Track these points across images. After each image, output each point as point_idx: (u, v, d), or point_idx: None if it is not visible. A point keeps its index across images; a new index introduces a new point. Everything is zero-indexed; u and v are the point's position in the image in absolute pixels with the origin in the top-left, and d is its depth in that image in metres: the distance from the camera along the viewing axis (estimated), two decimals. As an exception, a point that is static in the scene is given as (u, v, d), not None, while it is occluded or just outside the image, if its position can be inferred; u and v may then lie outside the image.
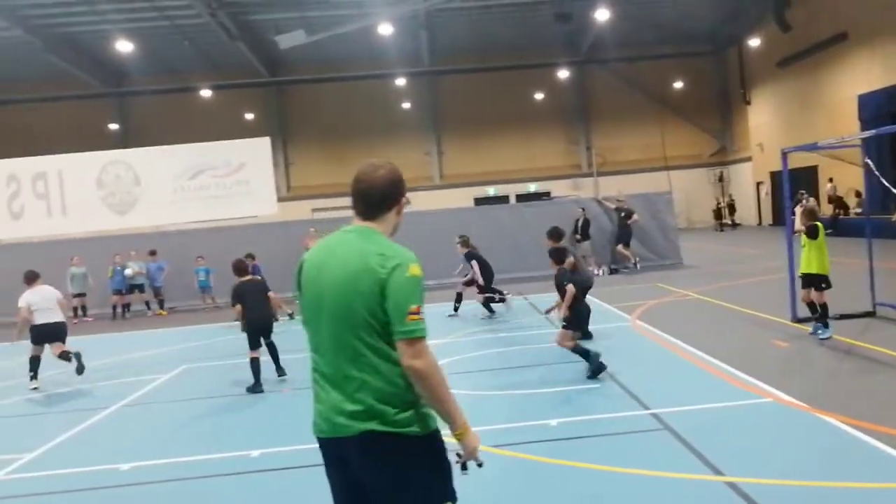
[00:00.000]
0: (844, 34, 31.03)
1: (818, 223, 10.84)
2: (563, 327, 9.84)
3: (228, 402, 10.36)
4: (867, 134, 12.38)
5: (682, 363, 10.16)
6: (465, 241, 16.49)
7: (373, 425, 3.20)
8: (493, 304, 16.15)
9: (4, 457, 8.17)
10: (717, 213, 41.88)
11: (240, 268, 11.55)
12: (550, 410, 8.20)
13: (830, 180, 32.65)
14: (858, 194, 29.11)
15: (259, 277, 12.62)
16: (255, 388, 10.60)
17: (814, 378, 8.92)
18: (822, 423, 7.08)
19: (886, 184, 12.49)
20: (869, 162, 12.65)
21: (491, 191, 43.71)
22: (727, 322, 13.07)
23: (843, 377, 8.98)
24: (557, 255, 10.29)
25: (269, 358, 11.05)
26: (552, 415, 7.95)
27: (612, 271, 22.93)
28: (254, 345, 10.86)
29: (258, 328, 10.99)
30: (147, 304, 22.28)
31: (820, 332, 10.63)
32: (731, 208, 41.99)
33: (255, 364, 10.72)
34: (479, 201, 42.29)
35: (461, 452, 3.35)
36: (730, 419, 7.53)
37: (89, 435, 9.12)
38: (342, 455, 3.30)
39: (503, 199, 42.04)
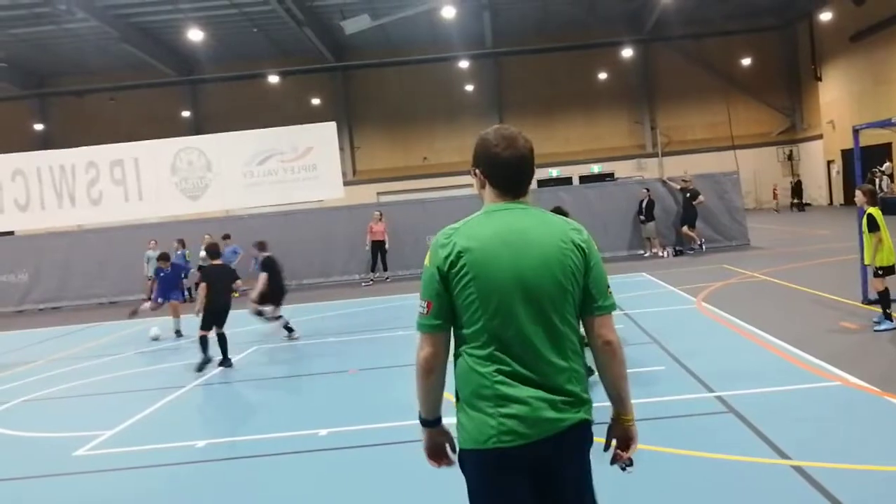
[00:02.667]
0: None
1: (872, 211, 10.21)
2: None
3: (296, 383, 10.61)
4: None
5: (748, 345, 10.01)
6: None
7: (583, 414, 2.96)
8: None
9: (87, 433, 8.43)
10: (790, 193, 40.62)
11: (213, 251, 11.90)
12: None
13: (890, 159, 31.77)
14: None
15: (222, 262, 12.67)
16: (203, 365, 11.21)
17: (884, 362, 8.67)
18: (892, 407, 6.95)
19: None
20: None
21: (553, 172, 43.18)
22: (795, 304, 12.82)
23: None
24: None
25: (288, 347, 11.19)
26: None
27: (678, 253, 22.71)
28: (206, 326, 11.40)
29: (215, 312, 11.41)
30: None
31: (875, 322, 10.14)
32: (798, 188, 40.70)
33: (204, 341, 11.30)
34: (542, 183, 41.58)
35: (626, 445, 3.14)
36: (796, 402, 7.40)
37: (166, 413, 9.36)
38: (541, 456, 2.90)
39: (566, 181, 41.52)
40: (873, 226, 10.14)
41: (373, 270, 22.77)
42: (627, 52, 42.39)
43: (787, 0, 40.63)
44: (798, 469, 5.66)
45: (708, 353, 9.77)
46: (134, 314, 15.72)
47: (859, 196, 10.75)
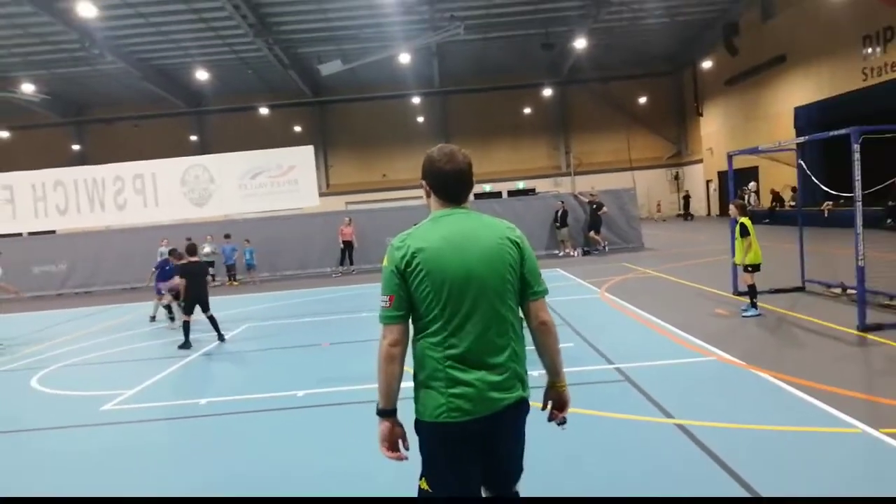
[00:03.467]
0: (783, 56, 30.45)
1: (744, 221, 10.35)
2: None
3: (279, 354, 10.51)
4: (799, 140, 11.98)
5: (641, 328, 10.10)
6: None
7: (520, 392, 2.87)
8: None
9: (112, 392, 8.48)
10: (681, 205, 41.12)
11: (192, 250, 11.66)
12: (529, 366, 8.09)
13: (756, 180, 32.52)
14: (794, 189, 28.56)
15: (198, 260, 12.28)
16: (185, 345, 11.02)
17: (751, 341, 8.82)
18: (756, 378, 7.06)
19: (816, 181, 12.13)
20: (801, 163, 12.40)
21: (487, 187, 43.23)
22: (679, 295, 12.93)
23: (775, 340, 8.89)
24: None
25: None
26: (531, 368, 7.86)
27: (585, 253, 22.84)
28: (188, 311, 11.27)
29: (196, 301, 11.24)
30: (213, 276, 22.00)
31: (743, 310, 10.32)
32: (687, 202, 41.25)
33: (186, 326, 11.15)
34: (478, 196, 41.68)
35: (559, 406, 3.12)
36: (680, 373, 7.48)
37: (175, 377, 9.34)
38: (483, 431, 2.81)
39: (497, 195, 41.32)
40: (745, 232, 10.28)
41: (342, 264, 22.66)
42: (548, 92, 42.60)
43: (676, 51, 41.24)
44: (680, 427, 5.74)
45: (609, 334, 9.82)
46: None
47: (732, 209, 10.89)
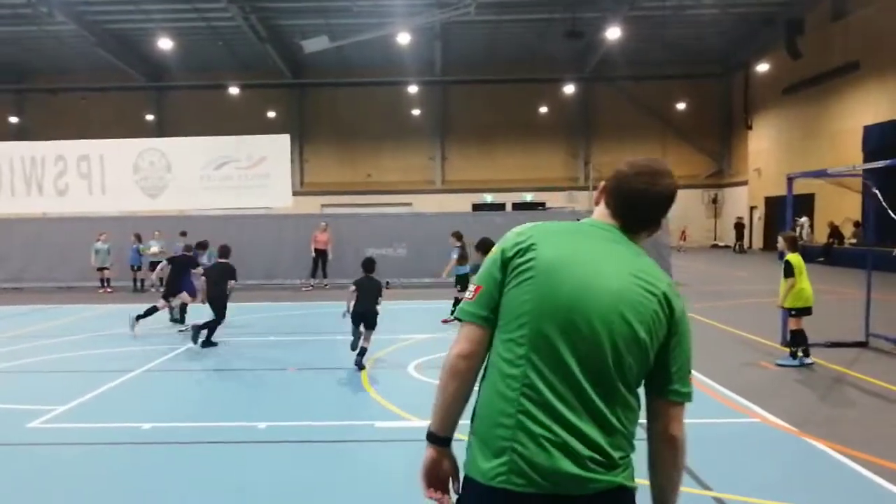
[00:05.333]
0: (856, 63, 29.70)
1: (791, 259, 10.34)
2: None
3: (238, 376, 10.45)
4: (879, 164, 11.42)
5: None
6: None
7: (619, 479, 2.32)
8: None
9: (39, 407, 8.44)
10: (738, 233, 39.28)
11: (225, 252, 12.72)
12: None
13: (812, 210, 32.24)
14: (857, 224, 28.32)
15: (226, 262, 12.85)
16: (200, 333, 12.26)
17: (801, 402, 8.67)
18: (808, 447, 6.93)
19: (893, 215, 11.62)
20: (877, 192, 11.87)
21: (489, 198, 43.29)
22: (717, 341, 12.74)
23: (830, 403, 8.74)
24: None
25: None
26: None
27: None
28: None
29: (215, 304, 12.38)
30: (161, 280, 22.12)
31: (780, 359, 10.36)
32: (740, 231, 39.25)
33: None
34: (477, 207, 41.75)
35: None
36: (719, 436, 7.31)
37: (116, 394, 9.31)
38: None
39: (500, 207, 41.42)
40: (788, 272, 10.25)
41: (313, 276, 22.51)
42: (569, 89, 42.51)
43: (727, 50, 41.09)
44: (718, 500, 5.58)
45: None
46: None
47: (781, 242, 10.84)
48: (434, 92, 43.98)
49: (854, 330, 12.18)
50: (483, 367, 2.48)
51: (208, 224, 23.02)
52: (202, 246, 15.60)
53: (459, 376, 2.45)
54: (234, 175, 23.55)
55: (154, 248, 21.47)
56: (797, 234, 31.79)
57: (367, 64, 41.01)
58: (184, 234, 21.99)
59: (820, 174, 12.96)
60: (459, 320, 2.51)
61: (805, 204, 32.08)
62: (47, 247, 23.01)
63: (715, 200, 44.71)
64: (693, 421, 7.45)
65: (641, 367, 2.36)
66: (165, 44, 35.05)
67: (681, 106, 43.16)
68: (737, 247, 38.82)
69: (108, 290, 21.84)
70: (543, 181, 44.37)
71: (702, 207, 44.52)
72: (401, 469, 6.20)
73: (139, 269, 21.97)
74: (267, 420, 7.87)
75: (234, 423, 7.86)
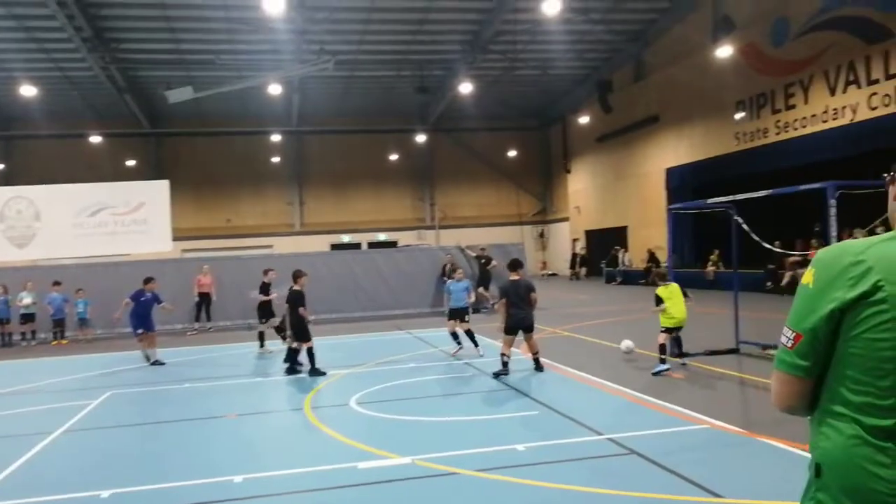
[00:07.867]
0: (656, 117, 32.31)
1: (658, 292, 11.34)
2: None
3: (178, 428, 9.21)
4: (762, 193, 11.45)
5: (593, 391, 9.95)
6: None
7: None
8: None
9: None
10: (572, 262, 40.78)
11: (296, 275, 12.78)
12: (513, 435, 7.54)
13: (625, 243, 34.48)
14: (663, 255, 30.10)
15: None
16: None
17: (722, 402, 8.80)
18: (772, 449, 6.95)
19: (756, 238, 12.14)
20: (738, 219, 12.27)
21: (345, 238, 42.80)
22: (606, 355, 12.95)
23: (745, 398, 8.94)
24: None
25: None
26: (518, 439, 7.30)
27: (475, 311, 22.62)
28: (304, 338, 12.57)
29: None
30: (33, 332, 19.90)
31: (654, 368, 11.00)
32: (575, 259, 40.64)
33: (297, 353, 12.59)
34: (335, 247, 41.20)
35: None
36: (685, 442, 7.23)
37: (46, 460, 7.81)
38: None
39: (356, 246, 41.09)
40: (658, 302, 11.32)
41: (197, 320, 21.09)
42: (414, 139, 42.89)
43: (547, 105, 43.09)
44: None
45: (568, 400, 9.48)
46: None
47: (653, 276, 11.81)
48: (291, 140, 42.98)
49: (724, 339, 12.60)
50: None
51: (82, 271, 21.04)
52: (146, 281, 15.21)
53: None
54: (110, 221, 21.88)
55: (26, 300, 19.42)
56: (620, 259, 33.84)
57: (225, 114, 39.49)
58: (57, 283, 20.06)
59: (699, 205, 13.42)
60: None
61: (620, 235, 34.78)
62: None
63: (542, 235, 46.59)
64: (651, 432, 7.47)
65: None
66: (14, 90, 31.72)
67: (511, 153, 45.02)
68: (573, 275, 40.47)
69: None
70: (394, 222, 44.48)
71: (532, 241, 45.95)
72: None
73: (7, 322, 19.80)
74: (241, 473, 6.83)
75: (208, 479, 6.73)
